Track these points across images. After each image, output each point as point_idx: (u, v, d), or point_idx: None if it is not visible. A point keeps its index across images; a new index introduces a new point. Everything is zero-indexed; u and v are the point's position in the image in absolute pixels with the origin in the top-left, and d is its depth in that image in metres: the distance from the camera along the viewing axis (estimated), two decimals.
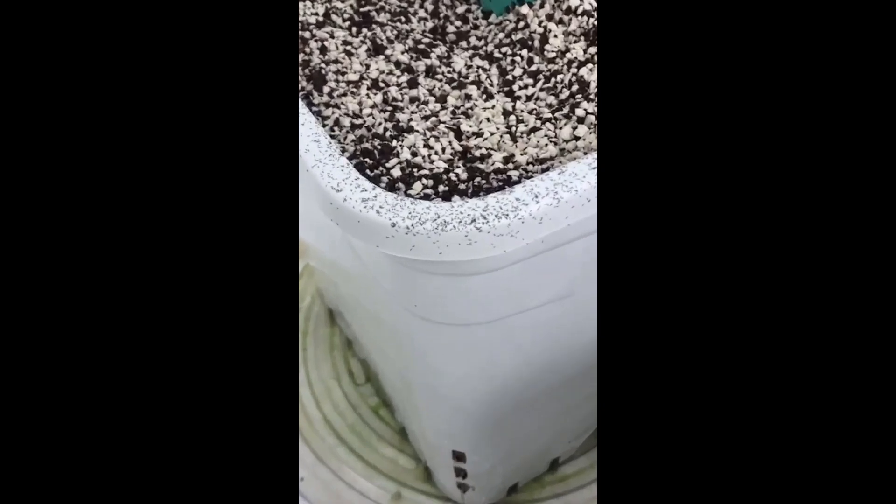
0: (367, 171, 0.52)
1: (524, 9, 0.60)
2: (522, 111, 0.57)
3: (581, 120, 0.52)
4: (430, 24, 0.60)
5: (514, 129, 0.56)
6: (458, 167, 0.54)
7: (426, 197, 0.51)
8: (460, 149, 0.55)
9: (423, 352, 0.60)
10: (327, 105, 0.57)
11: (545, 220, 0.47)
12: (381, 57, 0.59)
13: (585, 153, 0.49)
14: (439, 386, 0.63)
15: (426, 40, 0.59)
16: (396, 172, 0.53)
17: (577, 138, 0.51)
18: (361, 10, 0.61)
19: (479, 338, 0.58)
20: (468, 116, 0.57)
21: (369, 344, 0.75)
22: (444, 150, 0.55)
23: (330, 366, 0.88)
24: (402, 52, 0.59)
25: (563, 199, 0.47)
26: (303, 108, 0.52)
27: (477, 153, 0.54)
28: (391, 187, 0.52)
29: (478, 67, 0.58)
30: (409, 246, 0.46)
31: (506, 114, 0.57)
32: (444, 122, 0.57)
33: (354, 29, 0.60)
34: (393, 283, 0.56)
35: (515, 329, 0.57)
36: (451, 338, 0.58)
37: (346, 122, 0.55)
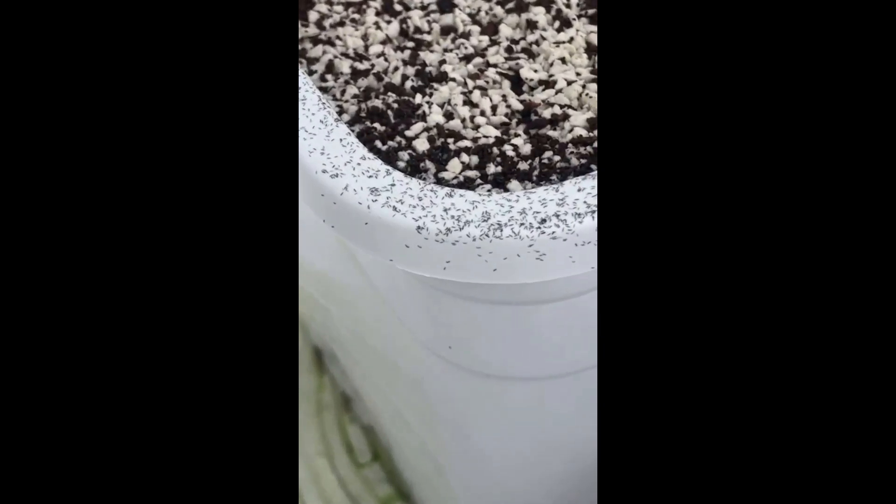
0: (378, 144, 0.43)
1: None
2: None
3: None
4: None
5: None
6: (516, 135, 0.44)
7: (467, 183, 0.41)
8: (520, 107, 0.45)
9: (461, 420, 0.51)
10: (315, 40, 0.48)
11: None
12: None
13: None
14: (487, 472, 0.53)
15: None
16: (422, 144, 0.43)
17: None
18: None
19: (551, 400, 0.48)
20: (532, 56, 0.47)
21: (379, 404, 0.62)
22: (495, 108, 0.45)
23: (317, 436, 0.74)
24: None
25: None
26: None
27: (546, 113, 0.44)
28: (414, 168, 0.43)
29: None
30: (444, 261, 0.37)
31: (591, 50, 0.47)
32: (494, 66, 0.47)
33: None
34: (416, 314, 0.46)
35: (583, 388, 0.47)
36: (507, 399, 0.48)
37: (345, 66, 0.45)
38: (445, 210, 0.35)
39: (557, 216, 0.35)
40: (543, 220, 0.34)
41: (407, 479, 0.65)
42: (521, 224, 0.34)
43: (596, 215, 0.35)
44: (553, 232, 0.34)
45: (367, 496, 0.70)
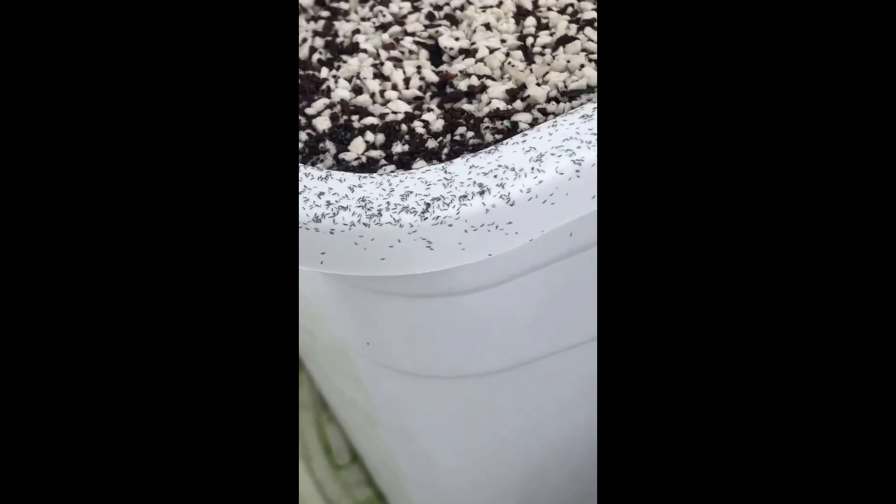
0: None
1: None
2: (551, 9, 0.43)
3: None
4: None
5: (530, 41, 0.41)
6: (429, 110, 0.40)
7: (370, 164, 0.37)
8: (436, 79, 0.41)
9: (405, 422, 0.46)
10: None
11: (560, 199, 0.32)
12: None
13: None
14: (437, 473, 0.49)
15: None
16: (323, 123, 0.39)
17: None
18: None
19: (488, 396, 0.44)
20: (455, 23, 0.43)
21: (337, 404, 0.60)
22: (407, 81, 0.41)
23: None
24: None
25: (585, 163, 0.32)
26: None
27: (462, 85, 0.40)
28: (312, 150, 0.39)
29: None
30: (319, 252, 0.33)
31: (521, 15, 0.42)
32: (413, 35, 0.43)
33: None
34: (336, 312, 0.42)
35: (524, 382, 0.42)
36: (443, 397, 0.44)
37: None
38: (320, 195, 0.31)
39: (442, 199, 0.31)
40: (428, 206, 0.30)
41: (378, 483, 0.61)
42: (403, 208, 0.30)
43: (493, 194, 0.31)
44: (437, 217, 0.30)
45: (346, 499, 0.67)
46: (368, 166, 0.35)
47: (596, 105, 0.33)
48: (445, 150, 0.35)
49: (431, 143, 0.35)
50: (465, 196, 0.30)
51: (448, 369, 0.39)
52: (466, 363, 0.39)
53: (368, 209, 0.30)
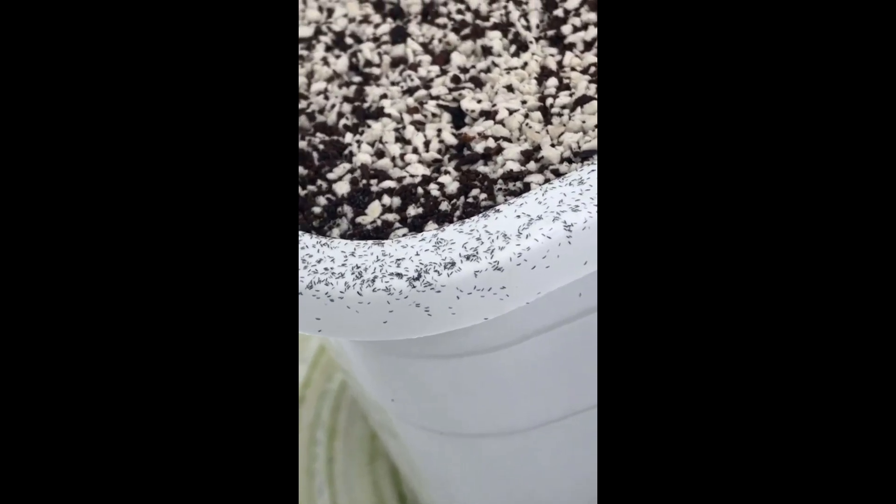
0: (298, 190, 0.40)
1: None
2: (574, 69, 0.43)
3: None
4: None
5: (550, 101, 0.41)
6: (446, 172, 0.41)
7: (385, 227, 0.38)
8: (455, 141, 0.41)
9: (442, 477, 0.47)
10: None
11: (553, 263, 0.33)
12: None
13: None
14: None
15: None
16: (342, 188, 0.40)
17: None
18: None
19: (518, 455, 0.44)
20: (479, 85, 0.44)
21: (398, 462, 0.59)
22: (428, 143, 0.42)
23: (369, 487, 0.67)
24: None
25: (576, 227, 0.32)
26: None
27: (479, 147, 0.41)
28: (331, 214, 0.40)
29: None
30: (314, 317, 0.34)
31: (544, 75, 0.43)
32: (437, 98, 0.43)
33: None
34: (355, 363, 0.43)
35: (553, 441, 0.42)
36: (473, 455, 0.45)
37: None
38: (318, 262, 0.32)
39: (433, 265, 0.31)
40: (419, 273, 0.31)
41: None
42: (396, 276, 0.31)
43: (484, 257, 0.31)
44: (428, 283, 0.31)
45: None
46: (383, 229, 0.35)
47: (593, 168, 0.33)
48: (457, 213, 0.35)
49: (444, 206, 0.36)
50: (452, 263, 0.31)
51: (472, 427, 0.40)
52: (490, 422, 0.39)
53: (361, 276, 0.31)
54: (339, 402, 0.74)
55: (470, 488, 0.44)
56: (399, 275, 0.31)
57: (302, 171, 0.38)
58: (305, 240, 0.33)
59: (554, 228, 0.31)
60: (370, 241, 0.32)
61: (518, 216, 0.32)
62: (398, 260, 0.31)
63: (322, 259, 0.32)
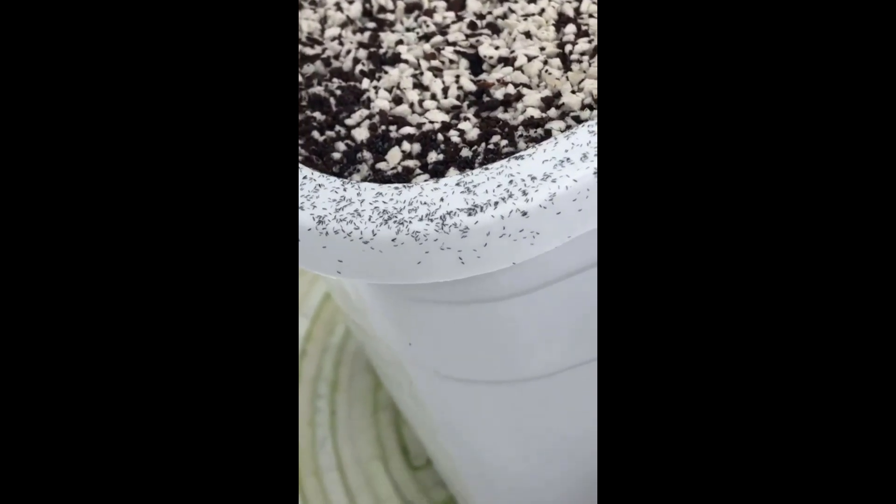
0: (316, 135, 0.40)
1: None
2: (591, 15, 0.43)
3: None
4: None
5: (569, 48, 0.41)
6: (465, 118, 0.41)
7: (405, 173, 0.38)
8: (474, 87, 0.41)
9: (456, 425, 0.47)
10: None
11: (584, 205, 0.33)
12: None
13: None
14: (491, 476, 0.50)
15: None
16: (361, 133, 0.40)
17: None
18: None
19: (531, 401, 0.45)
20: (496, 31, 0.44)
21: (405, 410, 0.60)
22: (446, 90, 0.42)
23: (373, 438, 0.71)
24: None
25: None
26: None
27: (499, 94, 0.41)
28: (350, 160, 0.40)
29: None
30: (336, 258, 0.34)
31: (562, 22, 0.43)
32: (454, 44, 0.43)
33: None
34: (371, 307, 0.43)
35: (570, 387, 0.42)
36: (488, 401, 0.45)
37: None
38: (341, 201, 0.32)
39: (459, 210, 0.31)
40: (444, 217, 0.31)
41: (447, 484, 0.62)
42: (423, 217, 0.31)
43: (514, 200, 0.31)
44: (455, 226, 0.31)
45: (423, 501, 0.68)
46: (403, 175, 0.35)
47: None
48: (479, 159, 0.35)
49: (465, 152, 0.36)
50: (481, 206, 0.31)
51: (487, 374, 0.40)
52: (505, 369, 0.39)
53: (390, 219, 0.31)
54: (341, 357, 0.74)
55: (483, 435, 0.44)
56: (429, 218, 0.31)
57: (319, 116, 0.38)
58: (332, 182, 0.33)
59: (582, 172, 0.31)
60: (398, 184, 0.32)
61: (545, 161, 0.32)
62: (426, 203, 0.31)
63: (349, 201, 0.32)
